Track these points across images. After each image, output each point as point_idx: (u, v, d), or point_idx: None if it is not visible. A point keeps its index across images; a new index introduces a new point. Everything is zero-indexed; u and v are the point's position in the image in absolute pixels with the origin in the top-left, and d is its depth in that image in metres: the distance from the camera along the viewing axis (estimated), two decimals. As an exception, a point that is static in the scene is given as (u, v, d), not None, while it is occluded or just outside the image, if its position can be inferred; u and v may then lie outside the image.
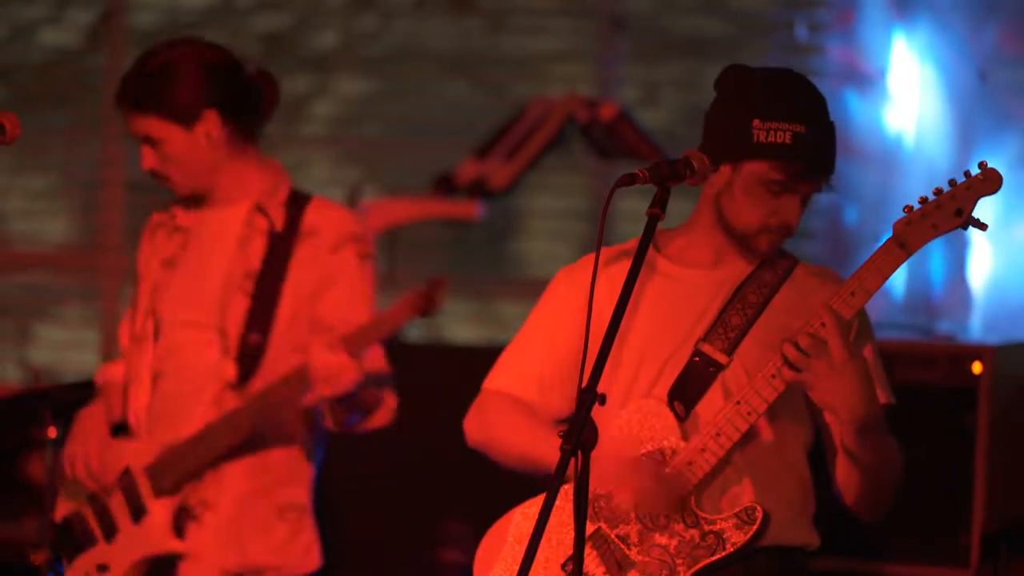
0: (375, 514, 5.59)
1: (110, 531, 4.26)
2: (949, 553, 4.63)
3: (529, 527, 3.34)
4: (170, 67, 4.24)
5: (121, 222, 6.85)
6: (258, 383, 4.19)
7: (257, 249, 4.25)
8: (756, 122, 3.33)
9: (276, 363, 4.19)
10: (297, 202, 4.29)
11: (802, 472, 3.40)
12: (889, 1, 5.75)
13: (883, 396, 3.35)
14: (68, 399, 4.64)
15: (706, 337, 3.37)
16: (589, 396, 2.99)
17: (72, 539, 4.31)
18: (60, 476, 4.47)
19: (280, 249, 4.24)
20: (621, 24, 6.30)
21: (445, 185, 6.34)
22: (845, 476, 3.33)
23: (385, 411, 4.22)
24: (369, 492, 5.58)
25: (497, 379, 3.58)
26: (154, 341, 4.30)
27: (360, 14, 6.61)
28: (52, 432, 4.53)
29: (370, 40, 6.63)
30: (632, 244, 3.45)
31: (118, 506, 4.25)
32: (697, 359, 3.37)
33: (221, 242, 4.30)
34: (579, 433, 2.95)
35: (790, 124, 3.33)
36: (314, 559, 4.29)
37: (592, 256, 3.44)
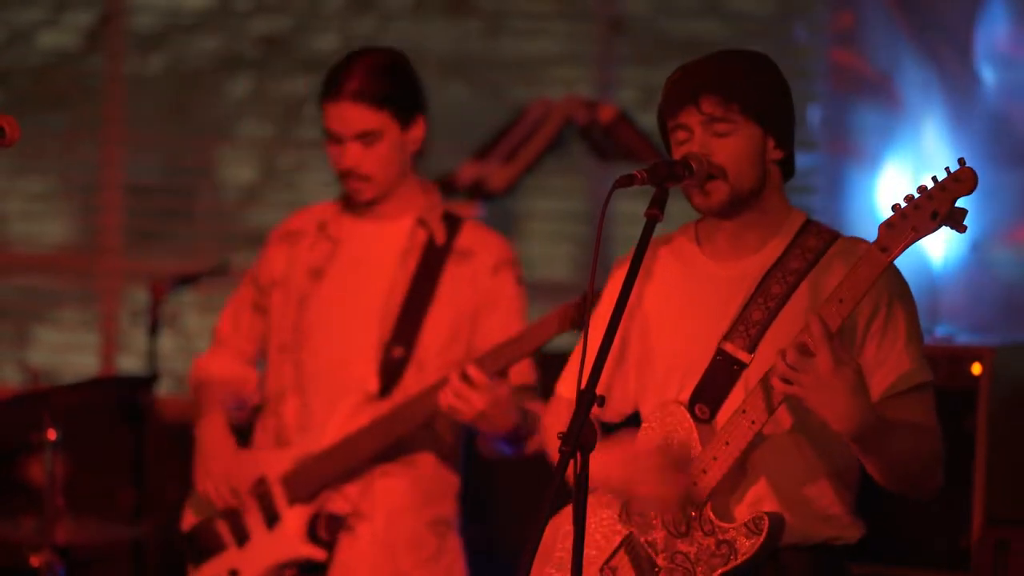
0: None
1: (242, 537, 4.26)
2: (948, 555, 4.62)
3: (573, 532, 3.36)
4: (397, 67, 4.26)
5: (120, 225, 6.85)
6: (399, 396, 4.19)
7: (412, 263, 4.25)
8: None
9: (425, 378, 4.19)
10: (452, 221, 4.30)
11: (834, 459, 3.34)
12: (888, 2, 5.75)
13: (919, 375, 3.32)
14: (67, 401, 4.64)
15: (728, 335, 3.35)
16: (588, 397, 2.99)
17: (199, 546, 4.32)
18: (59, 478, 4.47)
19: (432, 265, 4.24)
20: (619, 26, 6.30)
21: (444, 187, 6.33)
22: (867, 468, 3.30)
23: (538, 438, 4.18)
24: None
25: (561, 383, 3.62)
26: (302, 352, 4.30)
27: (359, 16, 6.60)
28: (51, 434, 4.53)
29: (369, 42, 6.62)
30: (672, 236, 3.48)
31: (251, 514, 4.25)
32: (720, 358, 3.35)
33: (380, 255, 4.28)
34: (578, 435, 2.95)
35: (669, 79, 3.38)
36: (458, 574, 4.31)
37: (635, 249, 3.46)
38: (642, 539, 3.35)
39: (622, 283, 3.13)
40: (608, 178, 6.06)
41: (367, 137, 4.19)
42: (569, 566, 3.30)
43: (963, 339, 4.99)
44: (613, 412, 3.50)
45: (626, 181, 3.19)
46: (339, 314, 4.27)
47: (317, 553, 4.20)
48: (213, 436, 4.33)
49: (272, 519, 4.23)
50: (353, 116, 4.18)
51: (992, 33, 5.55)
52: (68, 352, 6.92)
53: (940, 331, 5.09)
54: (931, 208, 3.13)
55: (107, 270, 6.86)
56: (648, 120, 6.18)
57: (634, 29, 6.30)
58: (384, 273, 4.26)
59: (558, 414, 3.54)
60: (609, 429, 3.51)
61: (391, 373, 4.22)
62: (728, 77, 3.32)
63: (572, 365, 3.60)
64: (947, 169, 3.12)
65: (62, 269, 6.98)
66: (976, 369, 4.63)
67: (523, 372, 4.17)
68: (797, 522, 3.30)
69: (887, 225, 3.16)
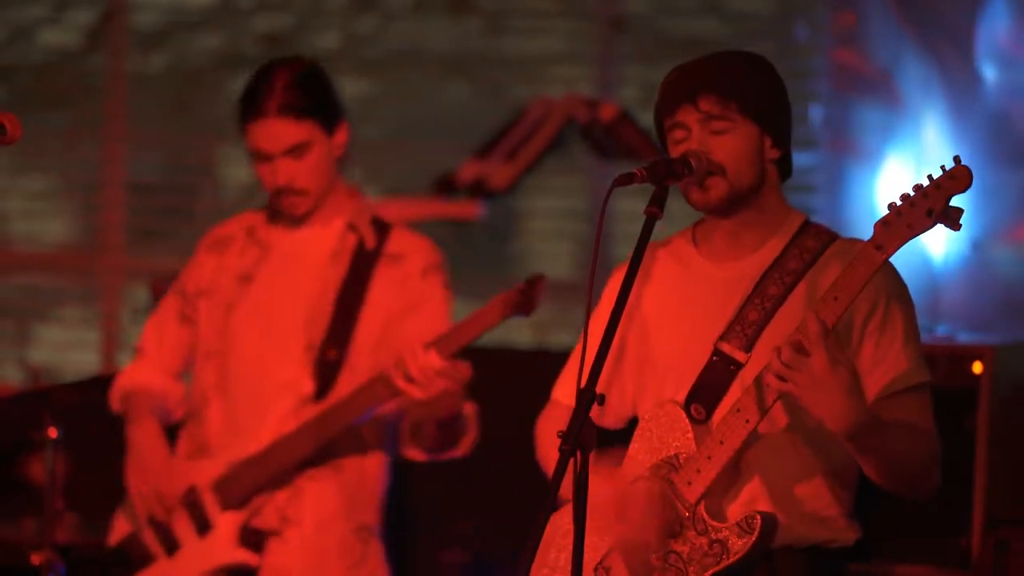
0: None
1: (172, 547, 4.24)
2: (949, 554, 4.62)
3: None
4: (313, 75, 4.23)
5: (121, 222, 6.85)
6: (333, 399, 4.18)
7: (343, 266, 4.24)
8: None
9: (356, 379, 4.18)
10: (381, 225, 4.30)
11: (831, 459, 3.32)
12: (889, 1, 5.75)
13: (917, 375, 3.31)
14: (68, 400, 4.64)
15: (725, 335, 3.35)
16: (587, 396, 2.98)
17: (127, 560, 4.30)
18: (60, 477, 4.47)
19: (362, 268, 4.23)
20: (620, 25, 6.30)
21: (445, 186, 6.34)
22: (863, 468, 3.29)
23: (468, 438, 4.21)
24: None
25: (557, 388, 3.62)
26: (227, 356, 4.29)
27: (360, 15, 6.61)
28: (52, 433, 4.53)
29: (370, 41, 6.63)
30: (670, 238, 3.49)
31: (181, 523, 4.23)
32: (716, 358, 3.34)
33: (310, 259, 4.27)
34: (577, 434, 2.95)
35: (666, 79, 3.39)
36: None
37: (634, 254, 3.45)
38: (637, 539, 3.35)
39: (620, 284, 3.13)
40: (609, 176, 6.04)
41: (297, 150, 4.17)
42: (564, 567, 3.31)
43: (964, 338, 4.98)
44: (611, 415, 3.50)
45: (625, 179, 3.19)
46: (266, 318, 4.25)
47: (250, 558, 4.18)
48: (146, 442, 4.28)
49: (203, 527, 4.20)
50: (281, 131, 4.16)
51: (993, 31, 5.55)
52: (69, 350, 6.92)
53: (940, 330, 5.09)
54: (926, 206, 3.13)
55: (108, 268, 6.86)
56: (649, 119, 6.16)
57: (635, 28, 6.31)
58: (313, 276, 4.25)
59: (555, 420, 3.54)
60: (606, 435, 3.50)
61: (326, 375, 4.20)
62: (726, 76, 3.33)
63: (568, 370, 3.60)
64: (943, 167, 3.12)
65: (63, 267, 6.99)
66: (977, 368, 4.62)
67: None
68: (791, 523, 3.29)
69: (883, 223, 3.16)
